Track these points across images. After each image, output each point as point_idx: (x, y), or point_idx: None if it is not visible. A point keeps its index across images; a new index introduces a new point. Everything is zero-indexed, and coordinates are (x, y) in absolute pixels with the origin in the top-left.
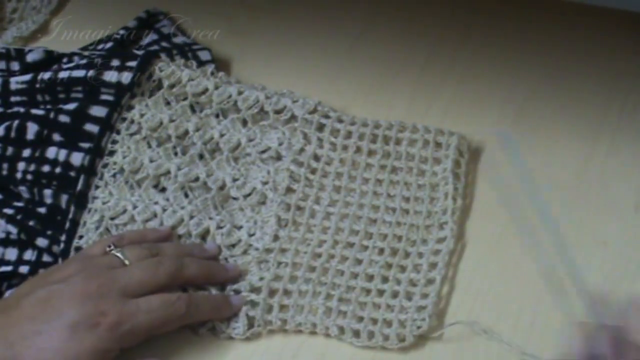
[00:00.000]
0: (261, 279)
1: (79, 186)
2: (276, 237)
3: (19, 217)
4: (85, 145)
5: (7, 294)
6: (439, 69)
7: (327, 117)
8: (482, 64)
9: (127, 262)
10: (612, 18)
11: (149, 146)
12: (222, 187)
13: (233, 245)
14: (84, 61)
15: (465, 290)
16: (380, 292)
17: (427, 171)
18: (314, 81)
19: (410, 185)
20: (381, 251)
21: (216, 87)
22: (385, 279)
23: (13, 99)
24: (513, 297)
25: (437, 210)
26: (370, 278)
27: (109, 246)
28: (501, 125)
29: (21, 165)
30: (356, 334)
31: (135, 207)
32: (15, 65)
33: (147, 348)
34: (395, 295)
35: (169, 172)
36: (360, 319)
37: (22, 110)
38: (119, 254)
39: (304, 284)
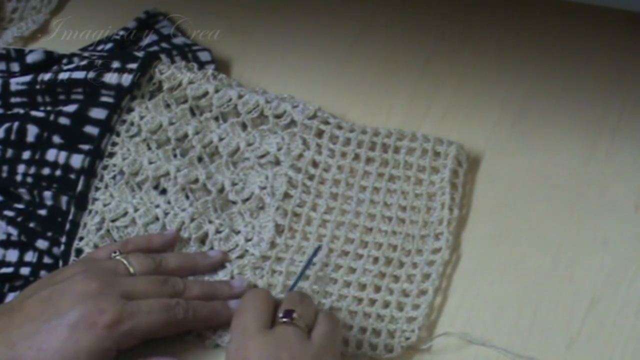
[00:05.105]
0: (255, 287)
1: (79, 187)
2: (273, 244)
3: (19, 219)
4: (85, 147)
5: (10, 296)
6: (439, 69)
7: (326, 123)
8: (482, 64)
9: (131, 269)
10: (612, 18)
11: (149, 148)
12: (221, 190)
13: (230, 250)
14: (84, 62)
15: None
16: (372, 302)
17: (424, 180)
18: (314, 81)
19: (407, 194)
20: (375, 260)
21: (216, 90)
22: (377, 289)
23: (13, 100)
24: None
25: (433, 220)
26: (363, 287)
27: (114, 252)
28: (501, 125)
29: (21, 168)
30: (344, 342)
31: (136, 209)
32: (15, 66)
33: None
34: (386, 305)
35: (168, 173)
36: (350, 327)
37: (22, 111)
38: (123, 260)
39: None
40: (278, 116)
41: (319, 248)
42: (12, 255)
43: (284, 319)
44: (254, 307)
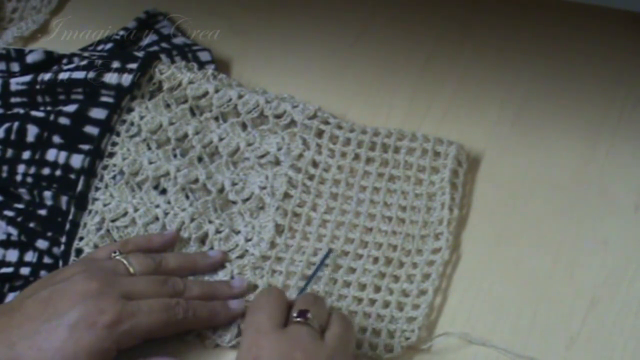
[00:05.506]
0: (255, 287)
1: (79, 187)
2: (273, 244)
3: (19, 219)
4: (85, 147)
5: (10, 296)
6: (439, 69)
7: (326, 123)
8: (482, 64)
9: (131, 269)
10: (612, 18)
11: (149, 148)
12: (221, 190)
13: (230, 250)
14: (84, 62)
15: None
16: (372, 302)
17: (424, 180)
18: (314, 81)
19: (407, 194)
20: (375, 260)
21: (216, 90)
22: (377, 289)
23: (13, 100)
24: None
25: (433, 220)
26: (363, 287)
27: (114, 252)
28: (501, 125)
29: (21, 168)
30: None
31: (136, 209)
32: (15, 66)
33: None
34: (386, 305)
35: (168, 173)
36: None
37: (22, 111)
38: (123, 260)
39: (296, 293)
40: (278, 116)
41: (330, 251)
42: (12, 255)
43: (298, 319)
44: (267, 305)
